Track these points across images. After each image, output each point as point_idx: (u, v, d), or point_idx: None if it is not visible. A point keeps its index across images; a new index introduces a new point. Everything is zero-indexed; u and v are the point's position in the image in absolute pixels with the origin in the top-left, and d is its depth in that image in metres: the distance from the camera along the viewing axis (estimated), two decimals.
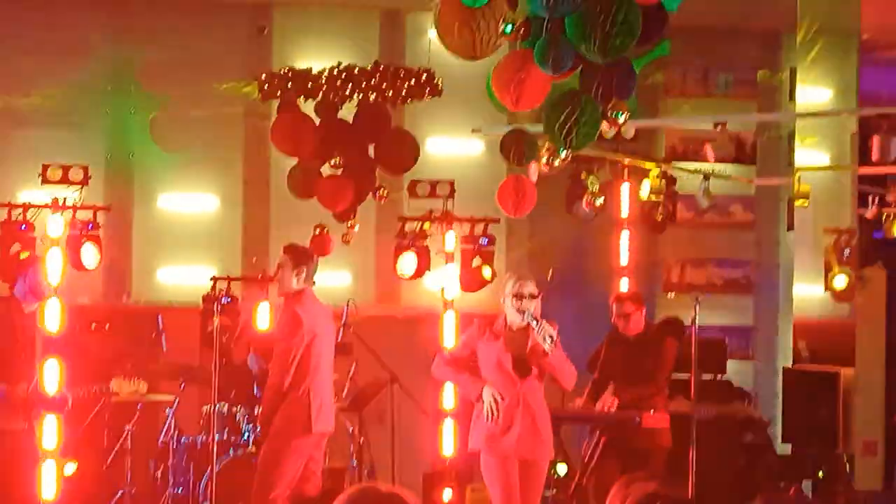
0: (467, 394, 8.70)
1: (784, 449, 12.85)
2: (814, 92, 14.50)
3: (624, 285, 12.62)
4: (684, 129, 13.85)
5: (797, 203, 11.90)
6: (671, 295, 13.97)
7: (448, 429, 12.55)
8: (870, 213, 12.36)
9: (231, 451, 10.29)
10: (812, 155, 14.18)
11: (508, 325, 8.65)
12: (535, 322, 8.37)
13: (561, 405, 10.50)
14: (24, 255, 11.54)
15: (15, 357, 9.32)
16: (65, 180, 12.06)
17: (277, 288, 9.76)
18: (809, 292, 14.30)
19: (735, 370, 13.22)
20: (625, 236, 13.13)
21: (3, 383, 9.22)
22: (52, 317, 10.88)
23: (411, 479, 12.11)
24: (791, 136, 13.97)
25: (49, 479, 9.49)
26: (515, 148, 8.39)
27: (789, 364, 13.68)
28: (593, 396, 10.17)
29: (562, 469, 11.39)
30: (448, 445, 12.52)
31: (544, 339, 8.30)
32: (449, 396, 12.56)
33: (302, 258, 9.68)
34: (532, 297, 8.51)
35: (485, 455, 8.58)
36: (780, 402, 13.30)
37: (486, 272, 12.51)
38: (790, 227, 13.81)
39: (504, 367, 8.51)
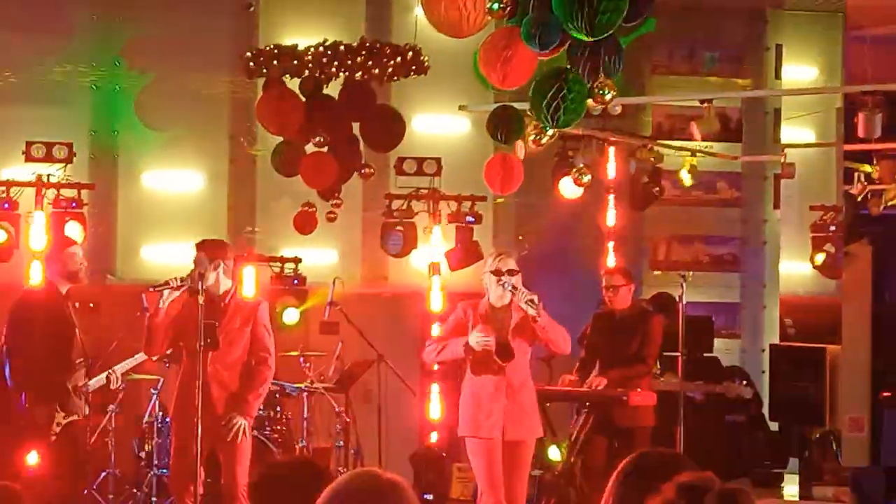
0: (457, 354, 8.62)
1: (771, 426, 12.86)
2: (799, 69, 14.49)
3: (611, 262, 12.62)
4: (671, 106, 13.83)
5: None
6: (658, 272, 13.96)
7: (434, 392, 12.54)
8: (855, 189, 12.35)
9: None
10: (798, 132, 14.17)
11: (491, 304, 8.62)
12: (513, 290, 8.38)
13: (548, 383, 10.50)
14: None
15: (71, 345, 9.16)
16: (48, 158, 12.03)
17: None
18: (796, 269, 14.32)
19: (722, 348, 13.21)
20: (611, 215, 13.12)
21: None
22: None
23: (398, 458, 12.09)
24: (777, 114, 13.96)
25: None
26: (502, 125, 8.37)
27: (776, 341, 13.69)
28: (581, 374, 10.15)
29: (553, 453, 11.40)
30: (435, 409, 12.52)
31: (527, 303, 8.31)
32: (434, 396, 12.57)
33: (218, 252, 8.95)
34: (511, 273, 8.52)
35: (469, 438, 8.57)
36: (766, 380, 13.32)
37: (473, 251, 12.52)
38: (776, 205, 13.83)
39: (487, 353, 8.49)
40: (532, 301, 8.34)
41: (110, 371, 10.03)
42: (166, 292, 8.67)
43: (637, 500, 3.64)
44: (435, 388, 12.64)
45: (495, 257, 8.73)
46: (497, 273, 8.53)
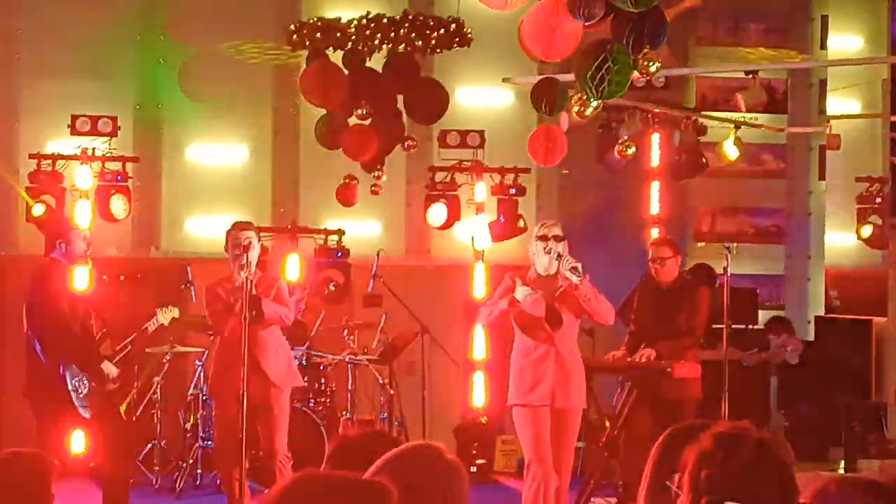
0: (508, 309, 8.61)
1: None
2: (845, 39, 14.37)
3: (655, 233, 12.58)
4: (715, 77, 13.74)
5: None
6: (702, 244, 13.90)
7: (479, 381, 12.59)
8: None
9: None
10: (844, 103, 14.07)
11: (538, 274, 8.62)
12: (558, 257, 8.38)
13: (591, 354, 10.49)
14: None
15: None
16: (94, 131, 12.10)
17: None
18: (841, 241, 14.24)
19: (767, 320, 13.13)
20: (655, 186, 13.07)
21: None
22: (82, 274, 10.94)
23: (442, 429, 12.13)
24: (823, 85, 13.85)
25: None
26: (546, 97, 8.34)
27: (821, 313, 13.62)
28: (630, 349, 10.08)
29: None
30: (478, 397, 12.56)
31: (570, 270, 8.30)
32: (479, 348, 12.59)
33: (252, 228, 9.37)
34: (557, 239, 8.51)
35: (517, 407, 8.56)
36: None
37: (517, 223, 12.52)
38: (822, 176, 13.74)
39: (536, 319, 8.49)
40: (576, 269, 8.32)
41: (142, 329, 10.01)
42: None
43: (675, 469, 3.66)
44: (479, 377, 12.64)
45: (541, 224, 8.76)
46: (543, 238, 8.52)
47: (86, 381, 8.94)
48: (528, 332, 8.57)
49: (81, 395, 8.92)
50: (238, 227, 9.16)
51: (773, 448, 3.34)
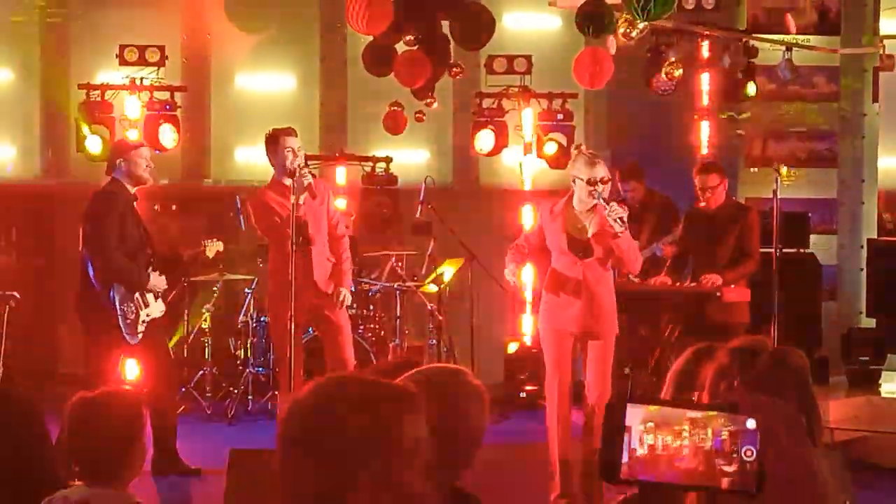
0: (514, 268, 8.63)
1: (868, 323, 12.71)
2: None
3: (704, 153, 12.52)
4: None
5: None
6: (754, 170, 13.77)
7: (527, 322, 12.54)
8: None
9: (311, 330, 10.30)
10: None
11: (572, 205, 8.49)
12: (605, 205, 8.25)
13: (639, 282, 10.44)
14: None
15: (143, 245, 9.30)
16: (142, 61, 12.11)
17: None
18: (895, 164, 14.07)
19: (818, 244, 13.04)
20: (705, 126, 12.96)
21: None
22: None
23: (491, 356, 12.15)
24: (877, 4, 13.64)
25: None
26: (591, 20, 8.28)
27: (874, 237, 13.48)
28: (673, 275, 10.03)
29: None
30: (528, 337, 12.54)
31: (615, 221, 8.19)
32: (528, 287, 12.53)
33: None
34: (603, 182, 8.36)
35: (543, 327, 8.57)
36: (864, 276, 13.15)
37: (563, 148, 12.43)
38: (875, 98, 13.55)
39: (564, 247, 8.44)
40: (621, 219, 8.19)
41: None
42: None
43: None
44: (527, 318, 12.59)
45: (588, 163, 8.48)
46: (591, 183, 8.34)
47: (133, 307, 9.00)
48: (560, 260, 8.50)
49: (129, 321, 8.98)
50: (286, 132, 9.10)
51: (789, 358, 3.36)
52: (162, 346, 9.42)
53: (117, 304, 8.96)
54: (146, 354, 9.20)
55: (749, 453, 3.14)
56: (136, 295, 9.05)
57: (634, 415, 3.16)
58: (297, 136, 9.07)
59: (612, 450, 3.14)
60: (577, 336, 8.43)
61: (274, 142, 9.01)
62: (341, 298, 9.11)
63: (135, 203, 9.22)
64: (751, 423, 3.15)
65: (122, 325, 8.96)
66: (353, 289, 9.99)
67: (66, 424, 4.37)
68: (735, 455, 3.15)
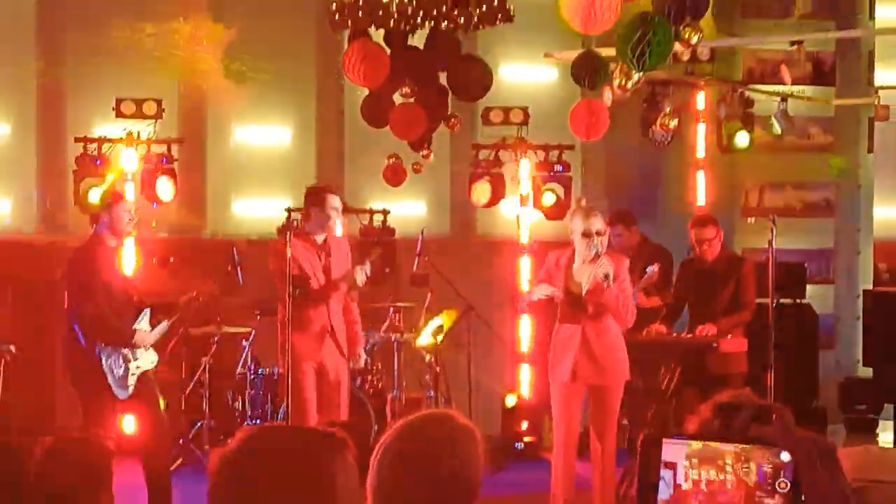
0: (543, 290, 8.68)
1: (865, 372, 12.70)
2: (893, 9, 14.20)
3: (700, 204, 12.55)
4: (762, 50, 13.60)
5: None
6: (751, 220, 13.78)
7: (525, 374, 12.53)
8: None
9: None
10: (893, 74, 13.90)
11: (573, 261, 8.60)
12: (597, 256, 8.35)
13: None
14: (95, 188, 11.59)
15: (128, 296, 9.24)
16: (139, 114, 12.12)
17: None
18: (891, 214, 14.09)
19: (815, 294, 13.05)
20: (700, 176, 12.99)
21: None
22: (129, 255, 10.98)
23: (488, 407, 12.11)
24: (871, 56, 13.70)
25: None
26: (586, 71, 8.31)
27: (870, 287, 13.50)
28: (669, 325, 10.07)
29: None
30: (525, 390, 12.51)
31: (602, 276, 8.31)
32: (525, 338, 12.52)
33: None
34: (599, 234, 8.46)
35: (550, 378, 8.73)
36: (860, 326, 13.14)
37: (560, 200, 12.44)
38: (870, 149, 13.59)
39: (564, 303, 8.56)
40: (607, 276, 8.32)
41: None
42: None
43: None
44: (525, 371, 12.56)
45: (584, 216, 8.58)
46: (587, 235, 8.45)
47: (121, 362, 8.93)
48: (563, 314, 8.62)
49: (117, 377, 8.91)
50: (327, 189, 9.24)
51: (770, 415, 3.38)
52: (154, 401, 9.28)
53: (103, 360, 8.88)
54: (139, 408, 9.15)
55: (783, 485, 3.19)
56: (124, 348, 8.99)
57: (677, 451, 3.20)
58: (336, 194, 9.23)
59: (647, 487, 3.17)
60: (581, 387, 8.49)
61: (319, 199, 9.12)
62: (360, 361, 9.41)
63: (115, 254, 9.24)
64: (785, 456, 3.19)
65: (111, 382, 8.88)
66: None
67: (33, 469, 4.30)
68: (772, 488, 3.19)
